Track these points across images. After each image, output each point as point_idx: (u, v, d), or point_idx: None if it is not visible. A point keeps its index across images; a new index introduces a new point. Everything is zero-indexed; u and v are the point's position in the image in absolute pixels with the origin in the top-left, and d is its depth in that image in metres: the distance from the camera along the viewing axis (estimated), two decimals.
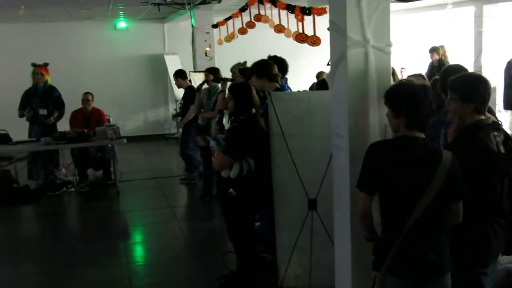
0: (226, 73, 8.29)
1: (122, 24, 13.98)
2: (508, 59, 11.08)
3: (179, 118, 9.93)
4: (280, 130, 4.67)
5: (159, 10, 9.18)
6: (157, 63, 14.14)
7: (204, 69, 9.69)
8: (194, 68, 10.38)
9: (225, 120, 7.37)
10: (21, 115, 9.41)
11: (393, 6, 4.05)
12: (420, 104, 3.03)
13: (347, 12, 3.87)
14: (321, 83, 6.10)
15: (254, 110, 4.81)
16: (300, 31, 6.34)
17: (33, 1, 8.66)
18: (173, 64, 13.83)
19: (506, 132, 3.54)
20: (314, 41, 5.91)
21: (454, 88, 3.41)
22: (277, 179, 4.84)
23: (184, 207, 8.64)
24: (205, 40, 9.90)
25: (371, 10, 3.90)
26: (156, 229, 7.39)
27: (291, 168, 4.72)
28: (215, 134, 4.99)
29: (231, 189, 4.66)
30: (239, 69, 6.81)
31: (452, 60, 11.50)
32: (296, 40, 6.24)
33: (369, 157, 3.19)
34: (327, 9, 5.39)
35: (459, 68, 4.01)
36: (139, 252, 6.68)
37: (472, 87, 3.37)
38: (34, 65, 9.48)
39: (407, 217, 2.98)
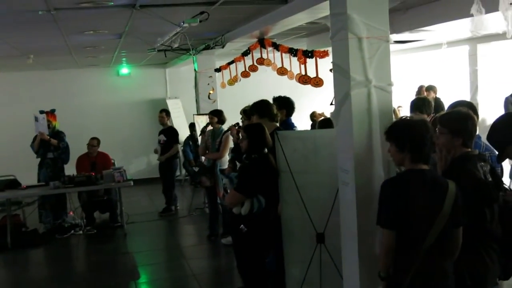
0: (229, 115, 8.55)
1: (124, 70, 14.30)
2: (507, 95, 11.39)
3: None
4: (287, 167, 4.87)
5: (165, 56, 9.47)
6: (159, 107, 14.37)
7: (207, 112, 10.02)
8: (197, 111, 10.65)
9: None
10: (33, 148, 9.58)
11: (390, 47, 4.29)
12: (423, 138, 3.24)
13: (350, 54, 4.13)
14: (322, 122, 6.34)
15: (266, 150, 5.00)
16: (303, 73, 6.61)
17: (42, 50, 8.95)
18: (175, 108, 14.14)
19: (491, 163, 3.75)
20: (317, 82, 6.17)
21: (444, 123, 3.63)
22: (285, 215, 5.02)
23: (191, 246, 8.76)
24: (208, 84, 10.18)
25: (372, 52, 4.16)
26: (165, 268, 7.54)
27: (298, 203, 4.90)
28: (228, 172, 5.18)
29: (242, 225, 4.83)
30: (243, 110, 7.04)
31: (448, 98, 11.76)
32: (300, 82, 6.50)
33: (384, 194, 3.38)
34: (329, 52, 5.69)
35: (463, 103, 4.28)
36: None
37: (461, 122, 3.59)
38: (42, 112, 9.72)
39: (421, 244, 3.17)
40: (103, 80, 14.33)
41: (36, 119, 9.55)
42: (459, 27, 7.88)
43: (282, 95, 6.32)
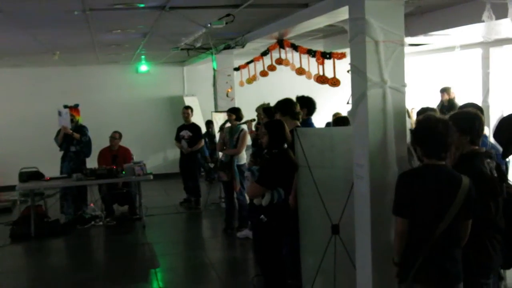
0: (245, 112, 8.86)
1: (144, 67, 14.63)
2: None
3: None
4: (305, 162, 5.17)
5: (188, 55, 9.78)
6: (177, 104, 14.74)
7: (224, 109, 10.36)
8: (215, 108, 10.95)
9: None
10: (57, 141, 9.93)
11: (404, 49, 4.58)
12: (441, 136, 3.52)
13: (367, 56, 4.42)
14: (336, 121, 6.62)
15: (286, 145, 5.29)
16: (321, 73, 6.88)
17: (68, 47, 9.27)
18: (192, 105, 14.43)
19: (497, 160, 4.02)
20: (334, 82, 6.45)
21: (454, 122, 3.90)
22: (302, 206, 5.32)
23: (208, 238, 9.09)
24: (226, 82, 10.48)
25: (388, 54, 4.45)
26: (184, 258, 7.87)
27: (315, 196, 5.19)
28: (250, 166, 5.48)
29: (262, 216, 5.13)
30: (263, 108, 7.32)
31: (461, 99, 12.00)
32: (317, 82, 6.77)
33: (400, 186, 3.67)
34: (347, 54, 5.97)
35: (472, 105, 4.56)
36: (169, 278, 7.10)
37: (469, 121, 3.88)
38: (65, 106, 10.06)
39: (433, 232, 3.46)
40: (123, 77, 14.67)
41: (60, 113, 9.89)
42: (472, 31, 8.14)
43: (293, 95, 6.59)
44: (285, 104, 5.97)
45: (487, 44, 11.98)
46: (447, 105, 11.59)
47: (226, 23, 6.02)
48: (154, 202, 11.28)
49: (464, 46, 11.68)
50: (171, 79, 15.08)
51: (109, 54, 11.05)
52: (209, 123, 13.73)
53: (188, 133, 10.95)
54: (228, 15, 5.80)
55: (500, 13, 5.02)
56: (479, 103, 11.97)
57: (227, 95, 10.52)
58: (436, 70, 13.82)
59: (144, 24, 6.77)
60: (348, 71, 5.46)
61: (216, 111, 10.75)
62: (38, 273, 7.68)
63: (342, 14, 5.41)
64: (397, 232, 3.66)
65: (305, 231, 5.36)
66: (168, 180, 13.59)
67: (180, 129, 11.23)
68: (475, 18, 6.10)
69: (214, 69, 10.73)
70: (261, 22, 6.96)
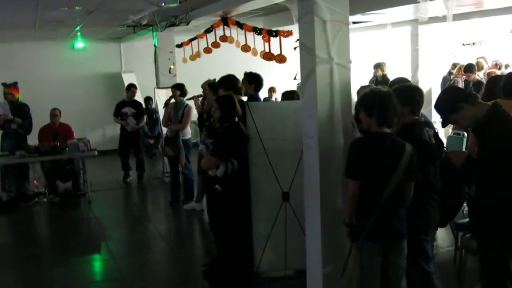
0: (188, 89, 9.04)
1: (80, 44, 14.50)
2: (443, 75, 12.32)
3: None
4: (257, 134, 5.48)
5: (135, 32, 9.87)
6: (115, 81, 14.75)
7: (166, 85, 10.57)
8: (157, 85, 11.10)
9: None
10: None
11: None
12: (388, 106, 3.90)
13: (316, 35, 4.74)
14: (285, 95, 6.95)
15: (236, 119, 5.58)
16: (266, 50, 7.18)
17: (6, 23, 9.16)
18: (130, 82, 14.49)
19: (434, 128, 4.48)
20: (281, 59, 6.76)
21: (396, 95, 4.30)
22: (253, 175, 5.64)
23: (155, 212, 9.31)
24: (169, 59, 10.64)
25: (334, 33, 4.79)
26: (133, 230, 8.07)
27: (266, 167, 5.54)
28: (204, 139, 5.75)
29: (217, 186, 5.43)
30: (209, 84, 7.58)
31: (392, 75, 12.59)
32: (264, 58, 7.07)
33: (352, 151, 4.02)
34: (293, 32, 6.30)
35: (402, 79, 5.00)
36: (121, 250, 7.29)
37: (409, 94, 4.30)
38: (4, 84, 9.96)
39: (381, 194, 3.85)
40: (59, 53, 14.52)
41: None
42: (404, 11, 8.65)
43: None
44: (228, 80, 6.24)
45: (416, 22, 12.62)
46: (381, 80, 12.15)
47: (180, 2, 6.21)
48: (96, 178, 11.30)
49: (394, 24, 12.27)
50: (108, 56, 15.02)
51: (48, 31, 10.94)
52: (148, 100, 13.84)
53: (131, 109, 11.01)
54: None
55: None
56: (409, 78, 12.71)
57: (169, 72, 10.69)
58: (368, 46, 14.39)
59: (92, 1, 6.82)
60: (295, 48, 5.81)
61: (158, 87, 10.89)
62: None
63: None
64: (349, 195, 4.01)
65: (256, 199, 5.68)
66: (108, 157, 13.63)
67: (120, 105, 11.22)
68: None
69: (155, 45, 10.86)
70: (206, 0, 7.13)
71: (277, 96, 11.64)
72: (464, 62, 11.95)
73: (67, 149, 9.53)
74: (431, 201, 4.23)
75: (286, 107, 5.71)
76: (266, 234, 5.69)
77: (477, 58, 12.19)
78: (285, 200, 5.55)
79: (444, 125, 4.18)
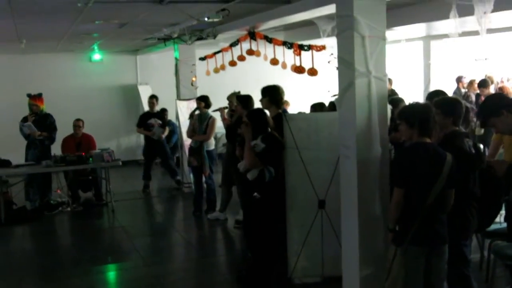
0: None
1: (97, 56, 14.74)
2: (454, 89, 12.59)
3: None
4: (293, 144, 5.71)
5: (165, 45, 10.16)
6: (131, 93, 15.05)
7: (187, 97, 10.85)
8: (177, 97, 11.34)
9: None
10: (24, 134, 10.04)
11: None
12: (428, 117, 4.14)
13: (355, 49, 4.99)
14: (314, 107, 7.16)
15: (269, 129, 5.79)
16: (291, 63, 7.44)
17: (36, 35, 9.38)
18: (146, 94, 14.79)
19: (473, 139, 4.73)
20: (312, 72, 6.99)
21: (439, 106, 4.55)
22: (289, 183, 5.86)
23: (179, 221, 9.50)
24: (191, 72, 10.90)
25: (372, 48, 5.04)
26: (161, 238, 8.26)
27: (302, 175, 5.76)
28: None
29: (255, 193, 5.64)
30: (237, 96, 7.81)
31: (403, 89, 12.83)
32: (295, 71, 7.30)
33: (398, 161, 4.31)
34: (326, 46, 6.55)
35: (440, 92, 5.25)
36: (152, 257, 7.44)
37: (451, 105, 4.55)
38: (29, 96, 10.18)
39: (424, 201, 4.07)
40: (77, 65, 14.75)
41: (21, 128, 10.00)
42: (416, 29, 8.99)
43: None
44: (274, 92, 6.43)
45: (428, 38, 12.92)
46: (390, 93, 12.36)
47: (222, 17, 6.45)
48: (115, 188, 11.52)
49: (408, 39, 12.56)
50: (124, 68, 15.29)
51: (71, 44, 11.19)
52: (163, 111, 14.08)
53: (157, 121, 11.37)
54: (223, 9, 6.23)
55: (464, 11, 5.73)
56: (421, 92, 12.96)
57: (191, 84, 10.94)
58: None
59: (131, 15, 6.99)
60: (328, 62, 6.05)
61: (179, 99, 11.14)
62: (14, 258, 7.76)
63: (324, 11, 5.96)
64: (394, 202, 4.23)
65: (292, 207, 5.90)
66: (124, 167, 13.79)
67: (145, 116, 11.60)
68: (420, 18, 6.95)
69: (176, 58, 11.12)
70: (236, 15, 7.35)
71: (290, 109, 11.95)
72: (472, 77, 12.27)
73: (90, 159, 9.74)
74: (470, 208, 4.45)
75: (321, 118, 5.95)
76: (301, 240, 5.90)
77: (486, 74, 12.46)
78: (321, 208, 5.77)
79: (483, 125, 4.44)
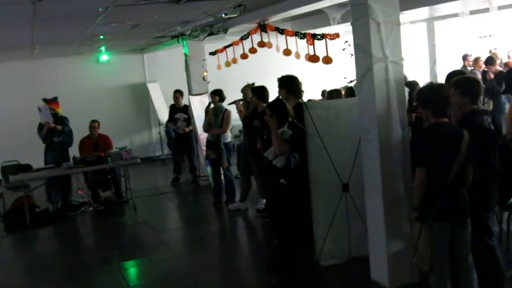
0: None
1: (104, 57, 14.90)
2: (459, 68, 12.71)
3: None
4: (315, 131, 5.90)
5: (178, 42, 10.32)
6: (140, 91, 15.24)
7: (199, 92, 11.06)
8: (189, 92, 11.53)
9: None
10: (41, 135, 10.24)
11: None
12: (439, 98, 4.32)
13: (371, 36, 5.16)
14: (331, 93, 7.31)
15: (290, 119, 5.98)
16: (304, 52, 7.61)
17: (48, 40, 9.55)
18: (155, 91, 15.03)
19: (491, 116, 4.90)
20: (327, 60, 7.15)
21: (456, 86, 4.72)
22: (312, 170, 6.05)
23: (201, 213, 9.66)
24: (202, 67, 11.09)
25: (387, 33, 5.23)
26: (187, 231, 8.49)
27: (324, 161, 5.95)
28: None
29: (282, 179, 5.82)
30: (252, 88, 7.99)
31: (410, 70, 12.97)
32: (309, 61, 7.45)
33: (419, 142, 4.44)
34: (340, 34, 6.71)
35: (459, 72, 5.42)
36: (180, 249, 7.68)
37: (469, 85, 4.71)
38: (45, 100, 10.34)
39: (446, 177, 4.25)
40: (85, 67, 14.94)
41: (40, 109, 10.16)
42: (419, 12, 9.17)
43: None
44: (290, 82, 6.64)
45: (431, 19, 13.05)
46: None
47: (240, 13, 6.61)
48: (133, 185, 11.71)
49: (411, 22, 12.71)
50: (132, 67, 15.46)
51: (82, 46, 11.35)
52: (187, 107, 14.30)
53: (183, 115, 11.70)
54: (240, 5, 6.39)
55: None
56: (427, 73, 13.11)
57: (203, 79, 11.13)
58: None
59: (146, 16, 7.13)
60: (344, 50, 6.22)
61: (191, 94, 11.33)
62: (48, 260, 7.92)
63: (336, 0, 6.12)
64: (418, 182, 4.39)
65: (316, 192, 6.09)
66: (137, 165, 13.99)
67: (173, 111, 11.92)
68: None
69: (186, 54, 11.30)
70: (248, 9, 7.48)
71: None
72: (477, 55, 12.39)
73: (109, 158, 9.93)
74: (492, 182, 4.63)
75: (340, 105, 6.12)
76: (326, 224, 6.10)
77: (491, 51, 12.60)
78: (345, 191, 5.96)
79: (506, 91, 4.58)
